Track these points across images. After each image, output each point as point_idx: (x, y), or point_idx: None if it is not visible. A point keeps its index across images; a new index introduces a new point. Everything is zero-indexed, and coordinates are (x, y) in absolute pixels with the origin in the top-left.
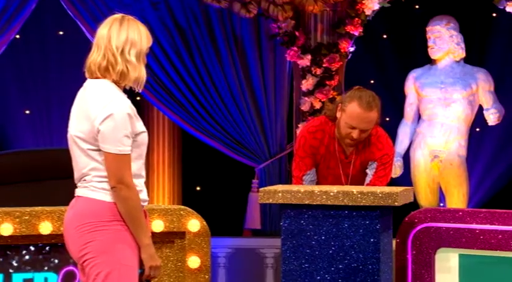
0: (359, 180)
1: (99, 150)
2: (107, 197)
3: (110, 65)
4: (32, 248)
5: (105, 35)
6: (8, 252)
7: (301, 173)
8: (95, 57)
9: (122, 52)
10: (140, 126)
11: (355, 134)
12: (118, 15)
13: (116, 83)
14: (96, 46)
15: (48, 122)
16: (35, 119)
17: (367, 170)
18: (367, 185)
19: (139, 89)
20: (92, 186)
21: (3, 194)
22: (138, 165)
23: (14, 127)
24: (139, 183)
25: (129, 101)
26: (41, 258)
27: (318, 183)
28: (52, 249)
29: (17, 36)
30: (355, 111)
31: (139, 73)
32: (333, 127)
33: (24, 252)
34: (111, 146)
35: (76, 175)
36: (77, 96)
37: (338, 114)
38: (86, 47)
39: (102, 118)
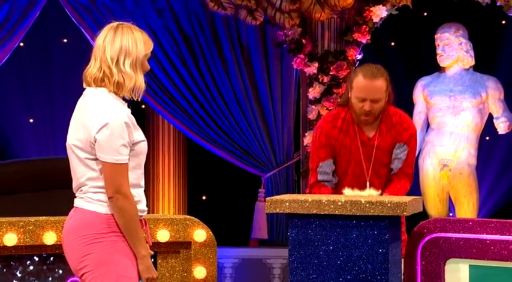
0: (382, 164)
1: (96, 159)
2: (102, 208)
3: (105, 77)
4: (36, 259)
5: (100, 46)
6: (12, 262)
7: (314, 166)
8: (91, 70)
9: (117, 63)
10: (139, 135)
11: (366, 106)
12: (114, 24)
13: (114, 93)
14: (94, 57)
15: (52, 131)
16: (38, 127)
17: (395, 153)
18: (396, 172)
19: (137, 98)
20: (88, 197)
21: (7, 204)
22: (136, 175)
23: (17, 136)
24: (138, 193)
25: (127, 110)
26: (45, 268)
27: (338, 179)
28: (56, 260)
29: (21, 44)
30: (361, 83)
31: (135, 82)
32: (349, 113)
33: (28, 262)
34: (108, 156)
35: (74, 184)
36: (76, 105)
37: (350, 94)
38: (90, 55)
39: (99, 127)
